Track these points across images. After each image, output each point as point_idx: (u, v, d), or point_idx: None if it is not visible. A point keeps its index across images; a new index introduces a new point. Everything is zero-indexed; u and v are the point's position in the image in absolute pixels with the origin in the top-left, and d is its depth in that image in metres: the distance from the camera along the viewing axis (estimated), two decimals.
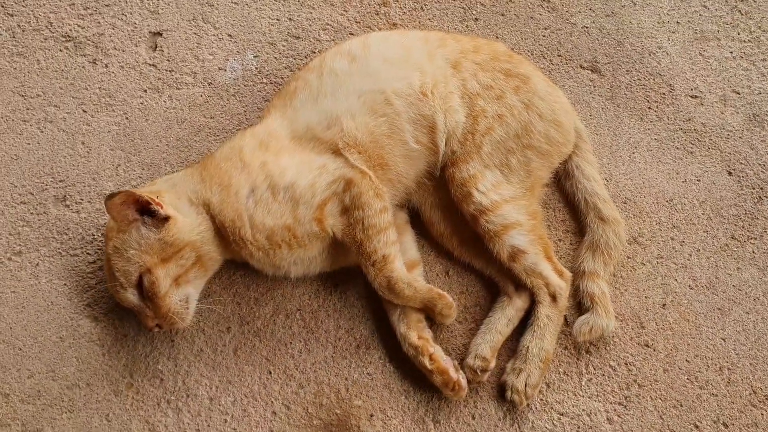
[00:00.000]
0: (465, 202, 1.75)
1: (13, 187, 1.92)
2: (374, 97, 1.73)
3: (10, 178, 1.93)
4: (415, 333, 1.72)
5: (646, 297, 1.84)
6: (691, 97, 2.03)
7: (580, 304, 1.81)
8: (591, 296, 1.78)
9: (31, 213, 1.90)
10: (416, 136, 1.75)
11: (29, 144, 1.96)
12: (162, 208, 1.62)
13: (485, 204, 1.73)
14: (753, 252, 1.88)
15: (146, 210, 1.61)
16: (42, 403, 1.76)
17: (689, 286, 1.85)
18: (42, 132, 1.97)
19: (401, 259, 1.71)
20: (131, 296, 1.63)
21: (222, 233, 1.67)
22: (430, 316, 1.75)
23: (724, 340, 1.81)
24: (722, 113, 2.01)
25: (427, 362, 1.70)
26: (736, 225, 1.91)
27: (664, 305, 1.83)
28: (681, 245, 1.89)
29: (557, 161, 1.85)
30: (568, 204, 1.91)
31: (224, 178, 1.68)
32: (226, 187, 1.67)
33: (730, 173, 1.96)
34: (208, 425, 1.74)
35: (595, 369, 1.78)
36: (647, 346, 1.80)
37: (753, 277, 1.86)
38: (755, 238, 1.89)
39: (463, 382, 1.71)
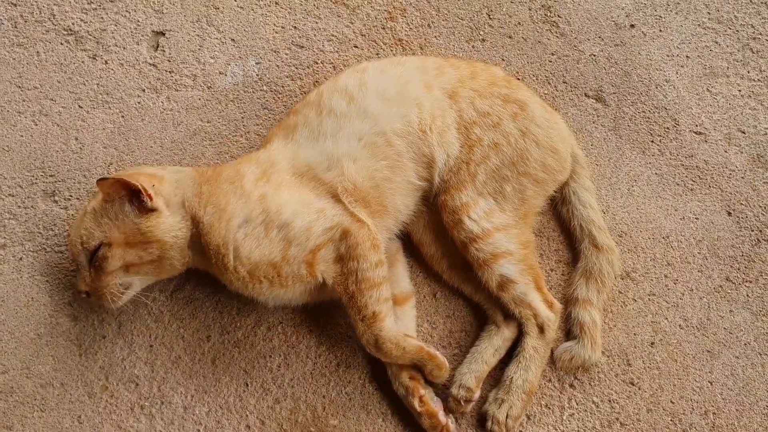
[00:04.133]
0: (456, 229, 1.72)
1: (2, 178, 1.90)
2: (375, 140, 1.70)
3: (0, 169, 1.91)
4: (407, 373, 1.69)
5: (635, 334, 1.81)
6: (696, 133, 2.00)
7: (570, 332, 1.78)
8: (581, 325, 1.76)
9: (19, 206, 1.89)
10: (418, 172, 1.73)
11: (22, 136, 1.94)
12: (151, 200, 1.61)
13: (476, 232, 1.70)
14: (747, 295, 1.85)
15: (137, 195, 1.61)
16: (14, 400, 1.74)
17: (680, 325, 1.82)
18: (36, 125, 1.95)
19: (392, 317, 1.67)
20: (83, 257, 1.62)
21: (205, 251, 1.64)
22: (422, 373, 1.70)
23: (711, 383, 1.77)
24: (726, 152, 1.98)
25: (416, 404, 1.67)
26: (731, 267, 1.87)
27: (652, 344, 1.80)
28: (674, 283, 1.85)
29: (552, 188, 1.82)
30: (563, 230, 1.89)
31: (221, 201, 1.65)
32: (221, 210, 1.64)
33: (729, 213, 1.92)
34: None
35: (577, 404, 1.75)
36: (632, 384, 1.77)
37: (745, 321, 1.82)
38: (750, 282, 1.86)
39: (452, 426, 1.69)
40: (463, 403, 1.69)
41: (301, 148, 1.72)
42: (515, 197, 1.75)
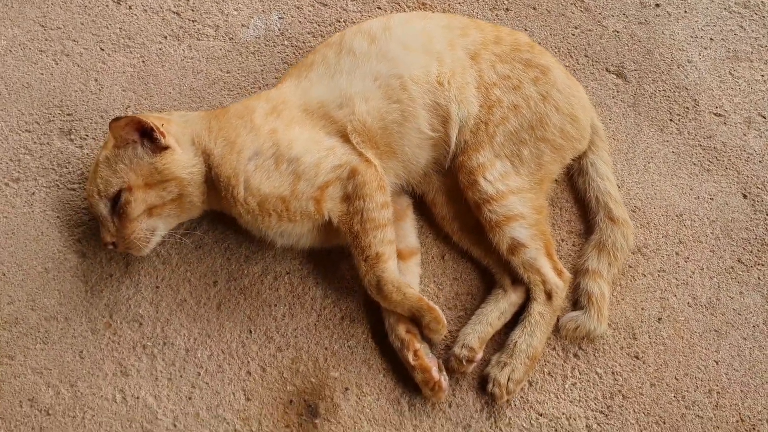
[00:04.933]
0: (471, 190, 1.71)
1: (21, 114, 1.91)
2: (390, 82, 1.70)
3: (19, 105, 1.92)
4: (404, 326, 1.69)
5: (642, 309, 1.79)
6: (715, 114, 1.98)
7: (577, 302, 1.77)
8: (589, 295, 1.74)
9: (35, 142, 1.89)
10: (431, 123, 1.72)
11: (42, 74, 1.95)
12: (164, 137, 1.62)
13: (490, 193, 1.69)
14: (759, 278, 1.83)
15: (148, 135, 1.62)
16: (18, 331, 1.74)
17: (688, 303, 1.80)
18: (57, 64, 1.96)
19: (395, 261, 1.68)
20: (103, 207, 1.62)
21: (215, 185, 1.65)
22: (419, 327, 1.70)
23: (717, 362, 1.75)
24: (745, 135, 1.96)
25: (411, 357, 1.66)
26: (744, 249, 1.86)
27: (659, 319, 1.78)
28: (685, 261, 1.84)
29: (570, 156, 1.81)
30: (579, 202, 1.87)
31: (231, 134, 1.66)
32: (231, 143, 1.65)
33: (745, 196, 1.91)
34: (181, 376, 1.71)
35: (580, 374, 1.74)
36: (637, 357, 1.75)
37: (755, 304, 1.80)
38: (762, 265, 1.84)
39: (445, 383, 1.67)
40: (464, 363, 1.68)
41: (314, 86, 1.72)
42: (532, 161, 1.74)
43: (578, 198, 1.87)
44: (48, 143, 1.89)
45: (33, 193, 1.85)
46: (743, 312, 1.80)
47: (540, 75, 1.75)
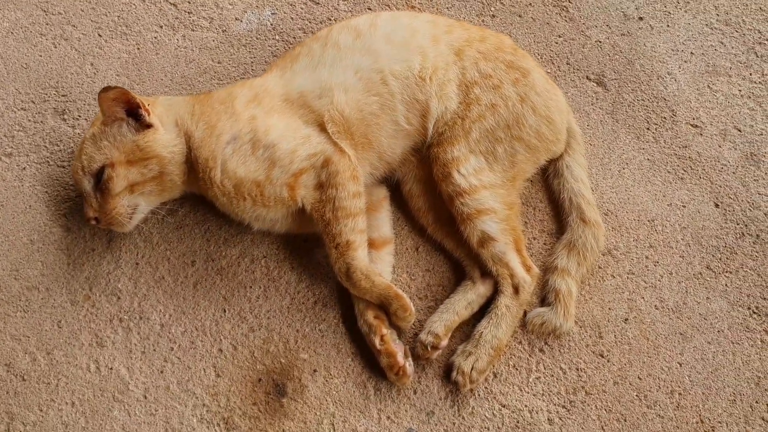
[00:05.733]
0: (444, 182, 1.76)
1: (17, 93, 1.99)
2: (371, 76, 1.75)
3: (16, 84, 1.99)
4: (372, 312, 1.73)
5: (609, 309, 1.83)
6: (692, 125, 2.03)
7: (545, 299, 1.81)
8: (557, 292, 1.78)
9: (29, 120, 1.96)
10: (408, 117, 1.77)
11: (41, 56, 2.03)
12: (149, 115, 1.69)
13: (463, 186, 1.74)
14: (726, 285, 1.86)
15: (134, 113, 1.69)
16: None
17: (655, 306, 1.84)
18: (55, 47, 2.04)
19: (365, 249, 1.72)
20: (87, 183, 1.68)
21: (194, 167, 1.71)
22: (387, 314, 1.74)
23: (680, 364, 1.78)
24: (720, 146, 2.01)
25: (377, 342, 1.70)
26: (713, 256, 1.89)
27: (626, 320, 1.82)
28: (654, 265, 1.88)
29: (544, 158, 1.86)
30: (553, 202, 1.92)
31: (212, 119, 1.72)
32: (211, 127, 1.71)
33: (717, 205, 1.95)
34: (154, 350, 1.76)
35: (545, 368, 1.77)
36: (602, 356, 1.79)
37: (721, 309, 1.84)
38: (731, 272, 1.87)
39: (410, 369, 1.71)
40: (429, 349, 1.71)
41: (297, 76, 1.78)
42: (506, 159, 1.79)
43: (552, 198, 1.92)
44: (42, 121, 1.96)
45: (24, 168, 1.92)
46: (709, 317, 1.83)
47: (520, 77, 1.81)
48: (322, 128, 1.74)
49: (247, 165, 1.68)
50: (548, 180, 1.92)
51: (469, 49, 1.81)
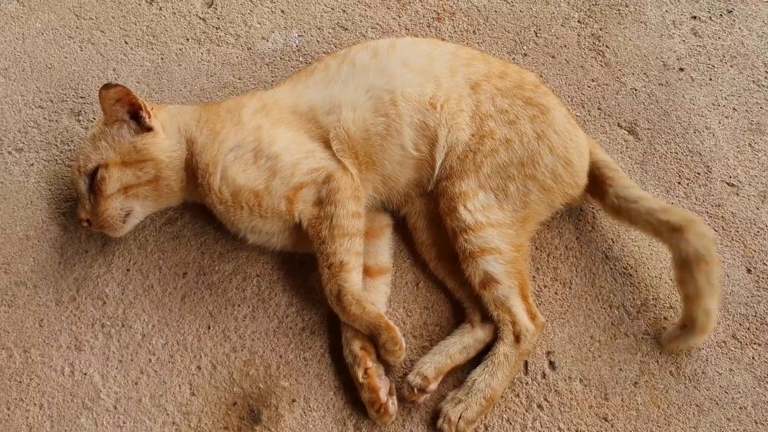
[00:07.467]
0: (450, 217, 1.68)
1: (38, 91, 2.01)
2: (381, 95, 1.70)
3: (38, 83, 2.02)
4: (359, 342, 1.63)
5: (619, 369, 1.68)
6: (728, 184, 1.90)
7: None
8: (692, 321, 1.60)
9: (44, 118, 1.98)
10: (416, 144, 1.70)
11: (66, 58, 2.05)
12: (149, 117, 1.66)
13: (468, 222, 1.65)
14: (753, 358, 1.70)
15: (136, 116, 1.66)
16: None
17: (671, 372, 1.68)
18: (81, 50, 2.06)
19: (360, 273, 1.65)
20: (82, 183, 1.66)
21: (194, 172, 1.67)
22: (376, 347, 1.63)
23: None
24: (758, 209, 1.87)
25: (360, 375, 1.60)
26: (741, 324, 1.74)
27: (636, 383, 1.67)
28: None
29: (559, 201, 1.75)
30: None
31: (217, 126, 1.69)
32: (215, 133, 1.68)
33: (749, 271, 1.80)
34: (132, 360, 1.69)
35: (542, 426, 1.63)
36: (605, 419, 1.64)
37: (745, 383, 1.67)
38: (759, 345, 1.71)
39: (392, 408, 1.59)
40: (416, 392, 1.59)
41: (309, 90, 1.75)
42: (517, 198, 1.69)
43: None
44: (57, 120, 1.97)
45: (32, 164, 1.92)
46: (731, 390, 1.67)
47: (539, 114, 1.72)
48: (327, 144, 1.69)
49: (247, 173, 1.64)
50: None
51: (487, 84, 1.74)
